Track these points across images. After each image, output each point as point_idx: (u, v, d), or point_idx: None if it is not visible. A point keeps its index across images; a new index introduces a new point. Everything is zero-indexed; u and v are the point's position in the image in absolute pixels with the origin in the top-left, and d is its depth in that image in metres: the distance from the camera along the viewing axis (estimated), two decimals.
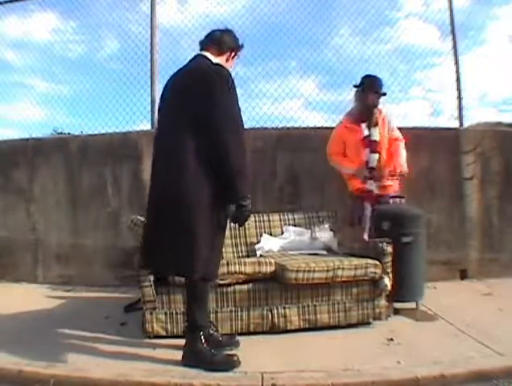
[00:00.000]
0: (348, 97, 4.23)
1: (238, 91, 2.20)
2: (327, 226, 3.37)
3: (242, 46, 2.43)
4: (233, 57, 2.40)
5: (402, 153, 3.44)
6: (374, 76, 3.48)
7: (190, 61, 2.32)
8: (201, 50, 2.35)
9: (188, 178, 2.08)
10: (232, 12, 4.44)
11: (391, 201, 3.33)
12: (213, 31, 2.39)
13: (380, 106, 3.47)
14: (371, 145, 3.38)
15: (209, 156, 2.07)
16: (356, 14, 4.44)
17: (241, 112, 2.17)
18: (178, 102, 2.16)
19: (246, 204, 2.11)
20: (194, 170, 2.08)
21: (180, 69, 2.31)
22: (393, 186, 3.43)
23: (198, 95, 2.09)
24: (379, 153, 3.38)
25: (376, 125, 3.40)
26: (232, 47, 2.36)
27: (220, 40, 2.34)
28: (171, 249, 2.11)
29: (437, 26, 4.47)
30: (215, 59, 2.28)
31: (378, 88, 3.41)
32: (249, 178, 2.13)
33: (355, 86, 3.48)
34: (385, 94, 3.46)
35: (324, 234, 3.31)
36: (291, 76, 4.53)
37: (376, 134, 3.39)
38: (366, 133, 3.38)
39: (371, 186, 3.37)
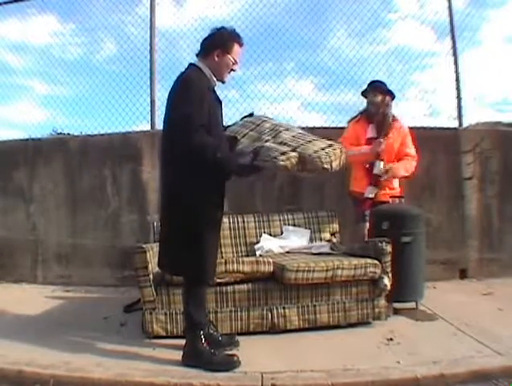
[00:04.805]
0: (346, 98, 4.29)
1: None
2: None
3: (234, 39, 2.26)
4: (225, 53, 2.23)
5: (407, 165, 3.34)
6: (375, 80, 3.47)
7: None
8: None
9: (172, 180, 2.21)
10: (231, 12, 4.46)
11: (390, 201, 3.31)
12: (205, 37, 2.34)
13: (403, 122, 3.43)
14: None
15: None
16: (354, 15, 4.45)
17: (203, 110, 2.13)
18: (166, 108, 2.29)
19: (241, 170, 2.15)
20: (177, 170, 2.17)
21: None
22: (392, 190, 3.37)
23: (169, 100, 2.23)
24: (382, 160, 3.28)
25: (386, 134, 3.30)
26: (218, 45, 2.23)
27: (206, 43, 2.29)
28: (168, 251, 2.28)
29: (434, 28, 4.49)
30: (201, 64, 2.26)
31: (380, 88, 3.36)
32: (222, 158, 2.09)
33: (362, 94, 3.46)
34: (391, 92, 3.38)
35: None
36: (289, 77, 4.55)
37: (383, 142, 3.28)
38: (372, 135, 3.33)
39: (370, 193, 3.31)
